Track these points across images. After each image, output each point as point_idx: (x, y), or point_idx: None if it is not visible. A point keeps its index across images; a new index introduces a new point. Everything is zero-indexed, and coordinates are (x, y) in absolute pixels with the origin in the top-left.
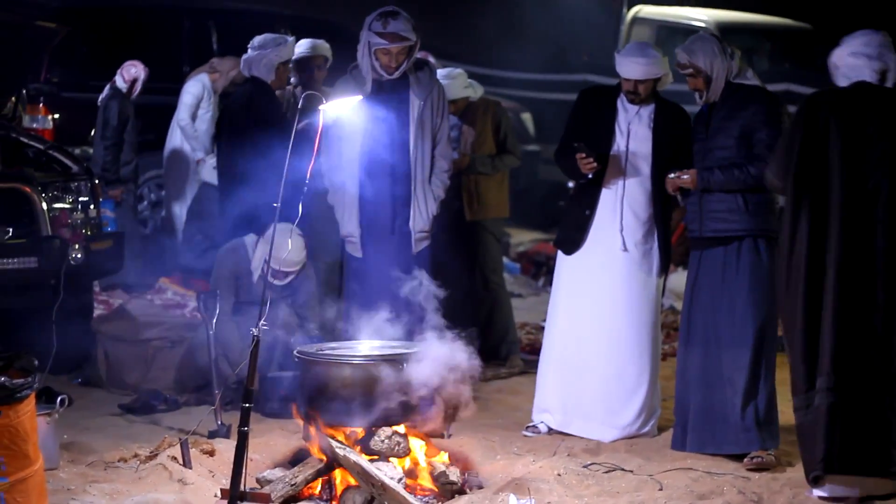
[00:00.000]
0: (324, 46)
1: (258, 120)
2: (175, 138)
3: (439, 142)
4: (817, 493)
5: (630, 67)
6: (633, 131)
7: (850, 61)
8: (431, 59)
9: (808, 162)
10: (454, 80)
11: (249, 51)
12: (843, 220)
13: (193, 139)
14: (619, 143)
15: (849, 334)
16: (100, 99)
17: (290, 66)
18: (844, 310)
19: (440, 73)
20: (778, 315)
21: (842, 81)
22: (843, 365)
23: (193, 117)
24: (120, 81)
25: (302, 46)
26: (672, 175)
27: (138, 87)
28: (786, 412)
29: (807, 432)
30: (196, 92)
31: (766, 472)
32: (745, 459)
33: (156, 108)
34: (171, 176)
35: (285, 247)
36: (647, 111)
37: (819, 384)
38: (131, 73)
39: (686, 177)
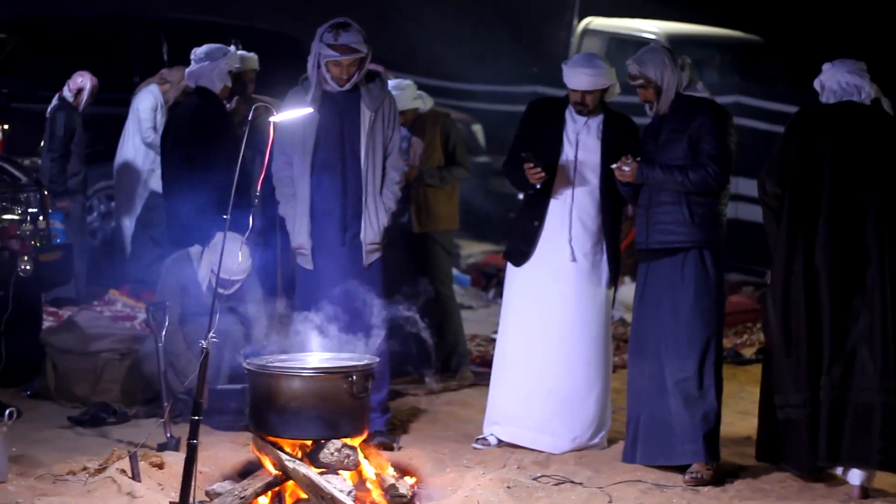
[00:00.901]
0: (253, 59)
1: (208, 130)
2: (126, 150)
3: (390, 153)
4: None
5: (577, 78)
6: (582, 142)
7: (850, 79)
8: (381, 69)
9: (804, 174)
10: (403, 91)
11: (193, 62)
12: (832, 229)
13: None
14: (568, 154)
15: (843, 337)
16: (48, 110)
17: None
18: (839, 316)
19: (389, 84)
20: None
21: (830, 98)
22: (840, 366)
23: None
24: (66, 92)
25: None
26: (615, 165)
27: (85, 97)
28: (734, 423)
29: (802, 427)
30: (149, 105)
31: (714, 486)
32: (686, 475)
33: (106, 118)
34: (121, 187)
35: (232, 256)
36: (596, 122)
37: (821, 383)
38: (77, 82)
39: (627, 168)
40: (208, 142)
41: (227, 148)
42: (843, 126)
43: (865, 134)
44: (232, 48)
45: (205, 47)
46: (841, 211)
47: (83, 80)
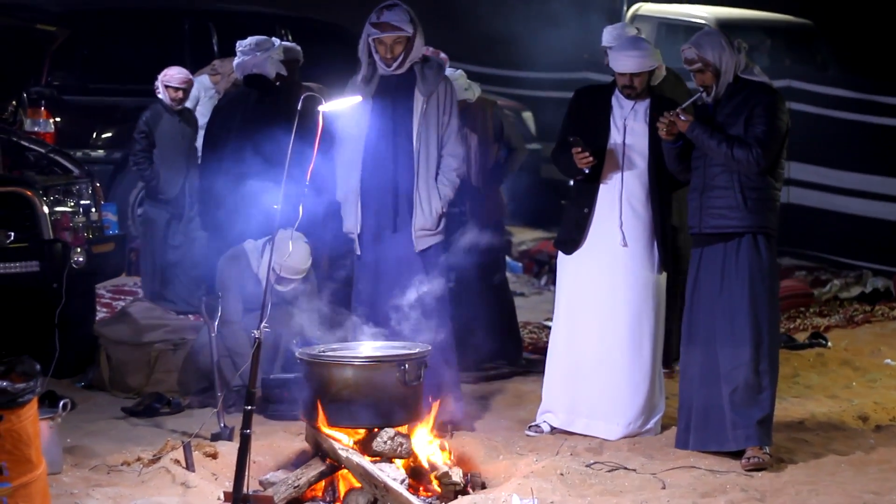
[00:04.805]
0: (296, 49)
1: (262, 118)
2: None
3: (447, 140)
4: None
5: (624, 61)
6: (630, 127)
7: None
8: (443, 55)
9: None
10: (454, 81)
11: (241, 54)
12: None
13: None
14: (616, 139)
15: None
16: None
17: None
18: None
19: None
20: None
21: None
22: None
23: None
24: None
25: None
26: (677, 110)
27: (161, 93)
28: (788, 409)
29: None
30: (193, 94)
31: (768, 471)
32: (742, 460)
33: None
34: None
35: (290, 252)
36: (643, 106)
37: None
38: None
39: (684, 118)
40: (278, 128)
41: (282, 135)
42: None
43: None
44: (276, 40)
45: (251, 39)
46: None
47: (159, 79)
